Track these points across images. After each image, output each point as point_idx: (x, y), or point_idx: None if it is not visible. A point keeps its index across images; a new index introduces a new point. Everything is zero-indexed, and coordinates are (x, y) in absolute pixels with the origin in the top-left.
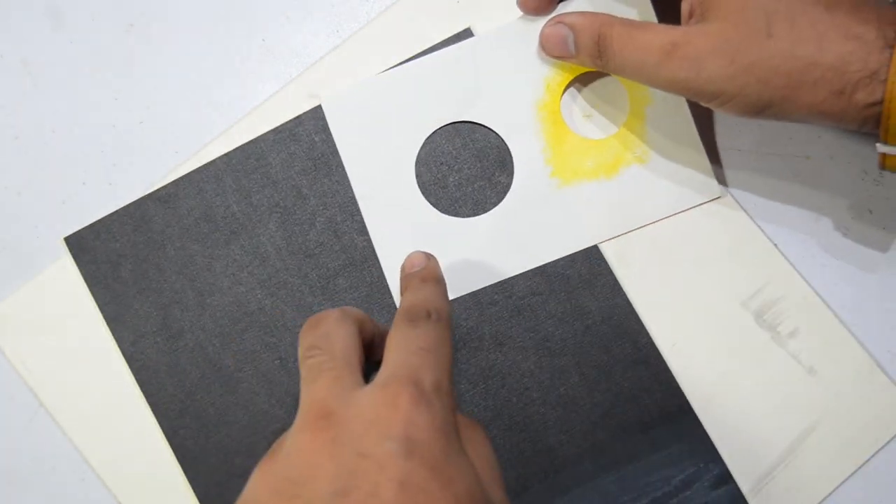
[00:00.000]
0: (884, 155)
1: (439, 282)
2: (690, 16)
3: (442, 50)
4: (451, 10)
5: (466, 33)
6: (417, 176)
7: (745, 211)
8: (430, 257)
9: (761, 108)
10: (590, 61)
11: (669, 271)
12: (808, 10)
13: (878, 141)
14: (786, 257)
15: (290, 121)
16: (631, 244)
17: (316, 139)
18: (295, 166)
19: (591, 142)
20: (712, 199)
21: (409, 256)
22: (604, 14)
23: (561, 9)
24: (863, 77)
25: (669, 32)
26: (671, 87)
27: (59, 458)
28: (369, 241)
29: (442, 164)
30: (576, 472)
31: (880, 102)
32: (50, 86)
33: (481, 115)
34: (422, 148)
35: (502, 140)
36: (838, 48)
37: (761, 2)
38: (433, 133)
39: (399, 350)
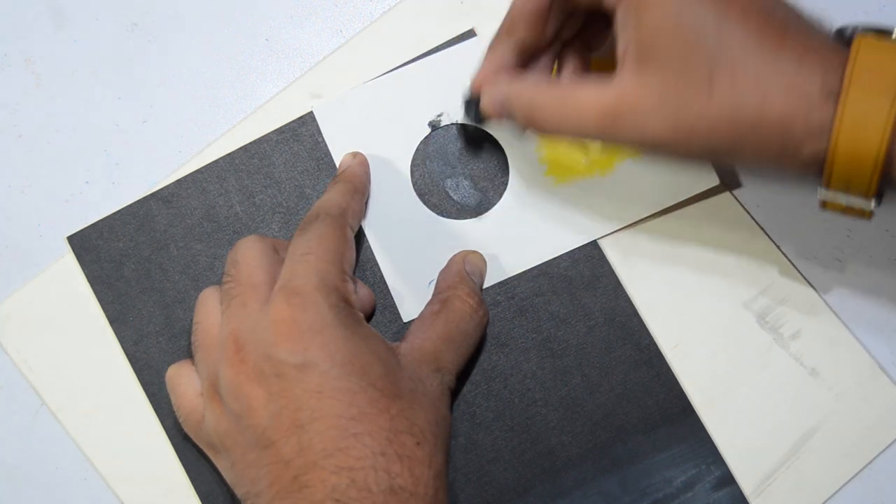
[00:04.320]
0: (824, 200)
1: (348, 181)
2: (625, 56)
3: (431, 56)
4: (454, 11)
5: (470, 34)
6: (417, 178)
7: (747, 212)
8: (355, 156)
9: (705, 160)
10: (521, 130)
11: (672, 272)
12: (750, 60)
13: (819, 185)
14: (789, 259)
15: (294, 121)
16: (633, 245)
17: (319, 139)
18: (298, 166)
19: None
20: (710, 188)
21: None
22: (529, 80)
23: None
24: (807, 134)
25: (604, 91)
26: (612, 144)
27: (62, 457)
28: (369, 241)
29: (446, 164)
30: (577, 473)
31: (823, 153)
32: (53, 84)
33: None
34: (419, 150)
35: (497, 141)
36: (782, 104)
37: (703, 51)
38: (432, 135)
39: (286, 260)
